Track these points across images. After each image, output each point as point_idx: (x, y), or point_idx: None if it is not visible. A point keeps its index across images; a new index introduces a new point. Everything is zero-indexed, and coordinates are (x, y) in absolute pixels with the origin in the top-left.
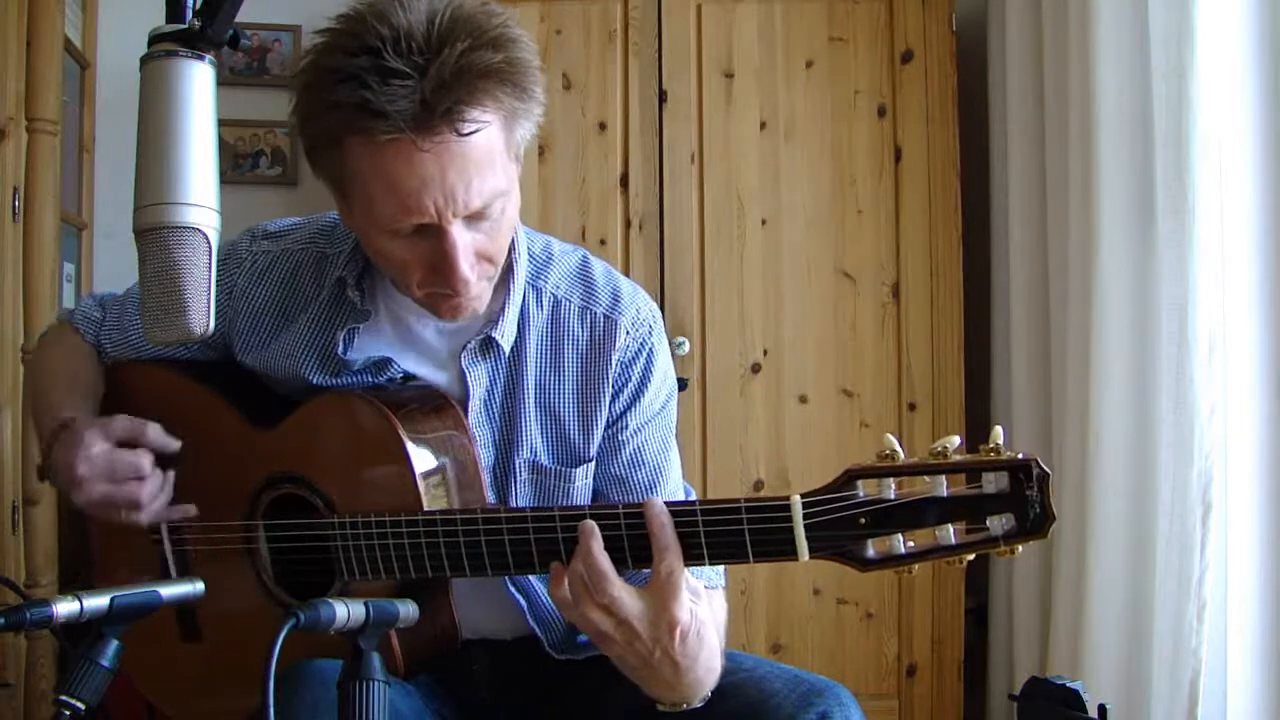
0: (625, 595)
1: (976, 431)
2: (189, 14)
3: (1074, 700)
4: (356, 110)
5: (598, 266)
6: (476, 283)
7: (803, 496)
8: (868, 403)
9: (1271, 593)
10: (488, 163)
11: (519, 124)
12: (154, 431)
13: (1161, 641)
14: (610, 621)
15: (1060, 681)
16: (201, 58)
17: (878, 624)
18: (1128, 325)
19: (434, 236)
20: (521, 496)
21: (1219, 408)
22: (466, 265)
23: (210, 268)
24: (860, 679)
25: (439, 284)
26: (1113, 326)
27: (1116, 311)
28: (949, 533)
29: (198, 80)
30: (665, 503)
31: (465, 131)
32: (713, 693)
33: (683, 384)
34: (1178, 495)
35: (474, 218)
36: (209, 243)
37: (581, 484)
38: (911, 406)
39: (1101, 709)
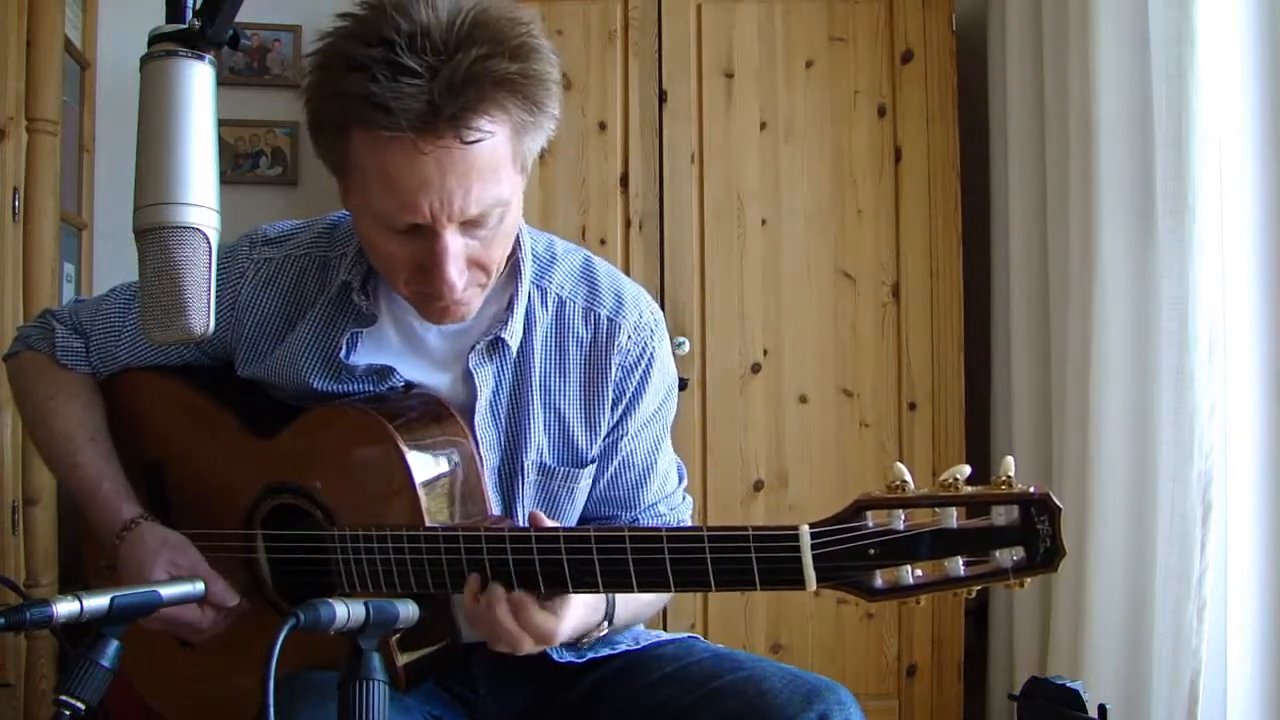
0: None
1: (976, 432)
2: (189, 14)
3: (1074, 700)
4: (362, 102)
5: (601, 267)
6: (464, 289)
7: (811, 526)
8: (868, 403)
9: (1271, 593)
10: (490, 172)
11: (528, 136)
12: (217, 587)
13: (1161, 641)
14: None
15: (1060, 681)
16: (201, 58)
17: (878, 624)
18: (1128, 325)
19: (426, 237)
20: (526, 498)
21: (1219, 407)
22: (454, 271)
23: (210, 268)
24: (860, 679)
25: (425, 284)
26: (1113, 326)
27: (1116, 311)
28: (958, 564)
29: (198, 80)
30: (672, 529)
31: (469, 140)
32: (713, 692)
33: (683, 384)
34: (1178, 495)
35: (470, 224)
36: (209, 243)
37: (585, 484)
38: (911, 406)
39: (1101, 709)
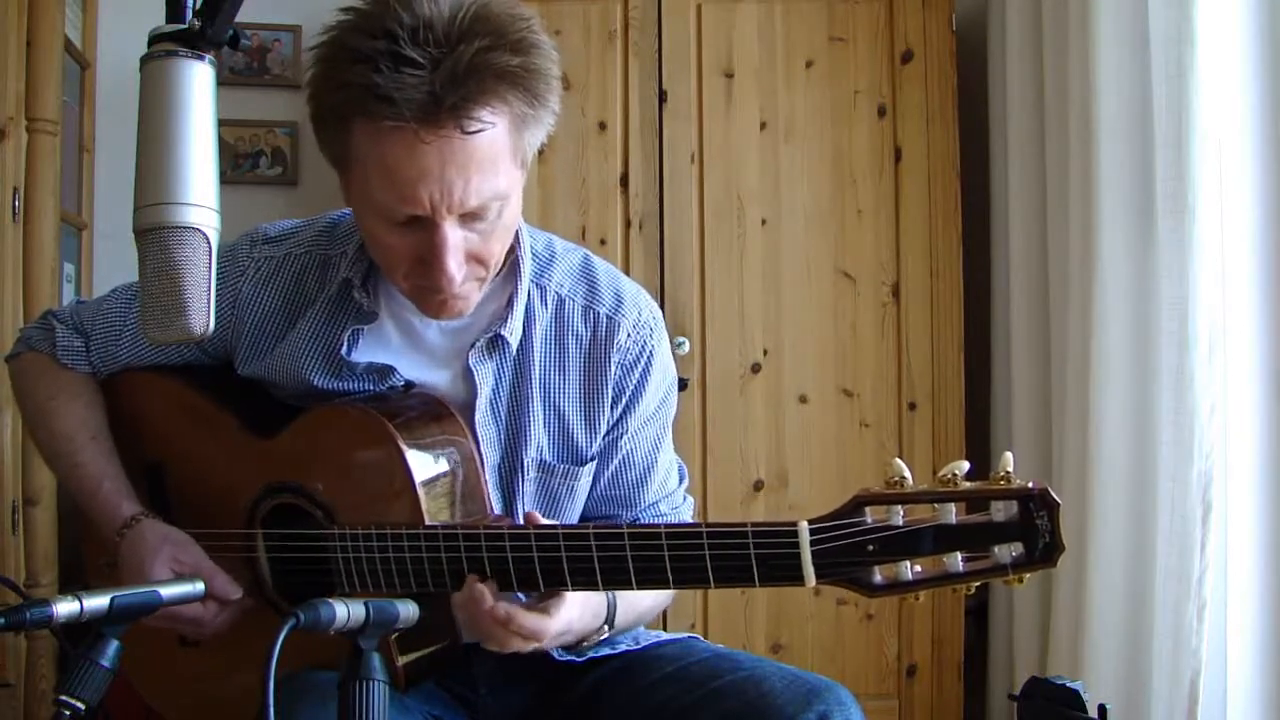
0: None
1: (976, 431)
2: (189, 14)
3: (1074, 700)
4: (364, 92)
5: (600, 265)
6: (462, 283)
7: (810, 523)
8: (868, 403)
9: (1271, 593)
10: (490, 164)
11: (527, 130)
12: (219, 582)
13: (1161, 641)
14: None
15: (1060, 681)
16: (201, 58)
17: (878, 624)
18: (1128, 325)
19: (426, 229)
20: (527, 495)
21: (1219, 407)
22: (454, 263)
23: (210, 268)
24: (860, 679)
25: (424, 277)
26: (1113, 326)
27: (1116, 311)
28: (956, 560)
29: (198, 80)
30: (670, 526)
31: (470, 130)
32: (713, 692)
33: (683, 384)
34: (1178, 495)
35: (469, 217)
36: (209, 243)
37: (585, 482)
38: (911, 406)
39: (1101, 709)
